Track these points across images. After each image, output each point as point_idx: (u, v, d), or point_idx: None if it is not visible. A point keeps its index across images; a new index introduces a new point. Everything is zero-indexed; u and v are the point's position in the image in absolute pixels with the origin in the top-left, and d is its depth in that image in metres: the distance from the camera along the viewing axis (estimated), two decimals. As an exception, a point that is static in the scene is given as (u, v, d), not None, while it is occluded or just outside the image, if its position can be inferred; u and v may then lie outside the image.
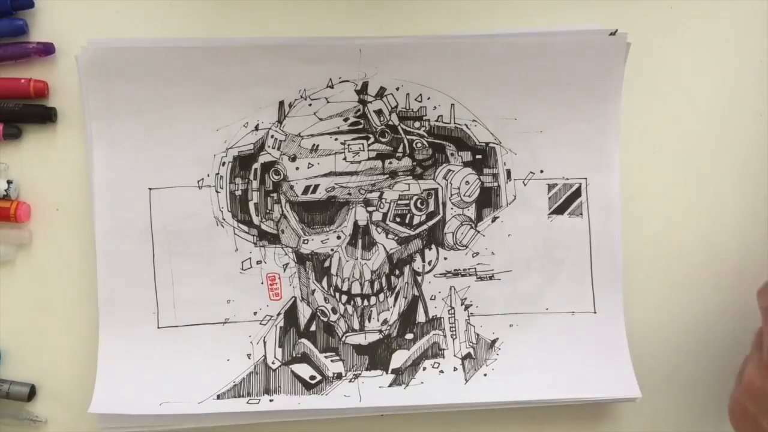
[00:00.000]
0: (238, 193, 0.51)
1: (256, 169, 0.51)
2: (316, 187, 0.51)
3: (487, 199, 0.52)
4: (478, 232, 0.52)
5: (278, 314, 0.51)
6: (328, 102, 0.50)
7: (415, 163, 0.51)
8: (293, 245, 0.51)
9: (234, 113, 0.50)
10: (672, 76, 0.52)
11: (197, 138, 0.50)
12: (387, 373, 0.51)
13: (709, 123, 0.53)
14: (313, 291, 0.52)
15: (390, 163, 0.51)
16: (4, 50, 0.49)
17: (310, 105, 0.50)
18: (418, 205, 0.51)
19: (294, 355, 0.51)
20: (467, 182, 0.52)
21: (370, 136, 0.51)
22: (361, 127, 0.51)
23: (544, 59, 0.50)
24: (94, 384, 0.49)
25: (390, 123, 0.51)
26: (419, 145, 0.51)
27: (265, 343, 0.51)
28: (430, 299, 0.52)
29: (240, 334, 0.51)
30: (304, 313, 0.52)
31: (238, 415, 0.50)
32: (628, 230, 0.52)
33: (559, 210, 0.52)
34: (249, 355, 0.51)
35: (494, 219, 0.52)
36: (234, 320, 0.51)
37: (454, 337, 0.52)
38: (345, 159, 0.51)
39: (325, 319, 0.52)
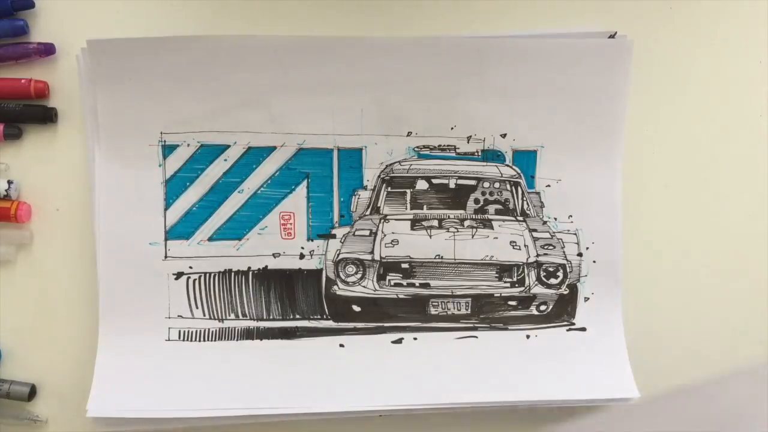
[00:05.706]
0: None
1: None
2: None
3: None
4: None
5: None
6: None
7: None
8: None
9: None
10: (672, 76, 0.52)
11: None
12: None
13: (708, 123, 0.53)
14: None
15: None
16: (5, 50, 0.49)
17: None
18: None
19: None
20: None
21: None
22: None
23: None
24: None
25: None
26: None
27: None
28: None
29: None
30: None
31: (240, 417, 0.50)
32: (629, 230, 0.52)
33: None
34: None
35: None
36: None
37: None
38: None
39: None
